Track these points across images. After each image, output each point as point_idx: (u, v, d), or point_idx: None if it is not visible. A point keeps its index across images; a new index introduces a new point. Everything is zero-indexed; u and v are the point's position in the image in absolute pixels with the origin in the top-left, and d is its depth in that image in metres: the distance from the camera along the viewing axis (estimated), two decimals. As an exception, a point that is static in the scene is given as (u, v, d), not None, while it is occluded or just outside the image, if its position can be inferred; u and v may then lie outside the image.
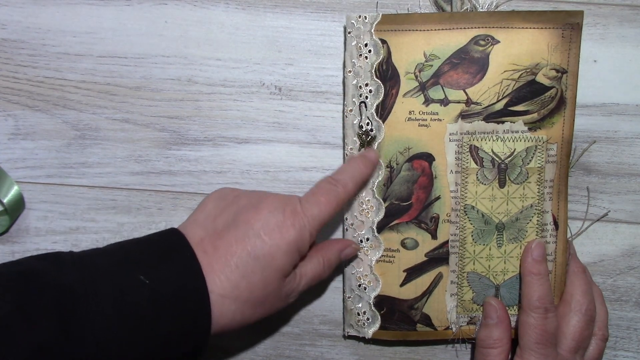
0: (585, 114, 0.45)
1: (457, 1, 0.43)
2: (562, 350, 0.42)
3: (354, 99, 0.43)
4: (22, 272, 0.33)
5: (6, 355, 0.30)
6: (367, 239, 0.45)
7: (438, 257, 0.45)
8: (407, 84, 0.43)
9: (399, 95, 0.43)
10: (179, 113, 0.47)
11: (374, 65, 0.43)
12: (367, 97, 0.43)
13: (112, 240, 0.48)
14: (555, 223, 0.44)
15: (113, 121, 0.47)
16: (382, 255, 0.45)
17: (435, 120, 0.43)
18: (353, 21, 0.42)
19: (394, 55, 0.42)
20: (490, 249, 0.45)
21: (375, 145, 0.43)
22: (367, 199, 0.44)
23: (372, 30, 0.42)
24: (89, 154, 0.47)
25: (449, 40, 0.42)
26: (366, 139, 0.43)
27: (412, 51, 0.42)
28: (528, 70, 0.42)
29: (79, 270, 0.33)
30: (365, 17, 0.42)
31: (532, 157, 0.43)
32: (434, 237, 0.45)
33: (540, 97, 0.43)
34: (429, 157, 0.44)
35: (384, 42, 0.42)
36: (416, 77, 0.43)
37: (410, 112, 0.43)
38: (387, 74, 0.43)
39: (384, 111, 0.43)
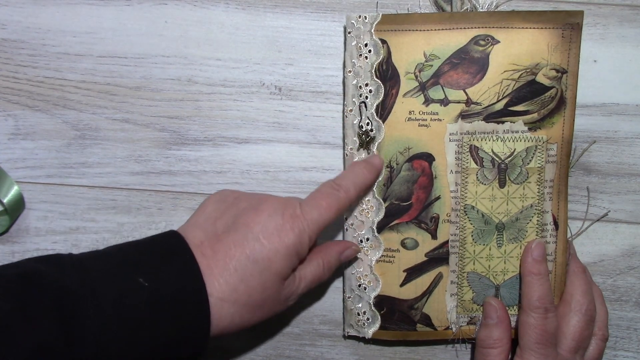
0: (585, 114, 0.45)
1: (457, 1, 0.43)
2: (562, 350, 0.42)
3: (354, 99, 0.43)
4: (22, 274, 0.33)
5: (6, 355, 0.30)
6: (367, 239, 0.45)
7: (438, 257, 0.45)
8: (407, 84, 0.43)
9: (399, 95, 0.43)
10: (179, 113, 0.47)
11: (374, 65, 0.43)
12: (367, 97, 0.43)
13: (112, 240, 0.48)
14: (555, 223, 0.44)
15: (113, 121, 0.47)
16: (382, 255, 0.45)
17: (435, 120, 0.43)
18: (353, 21, 0.42)
19: (394, 55, 0.42)
20: (490, 249, 0.45)
21: (375, 145, 0.43)
22: (367, 199, 0.44)
23: (372, 30, 0.42)
24: (89, 154, 0.47)
25: (449, 40, 0.42)
26: (366, 139, 0.43)
27: (412, 51, 0.42)
28: (528, 70, 0.42)
29: (79, 273, 0.33)
30: (365, 17, 0.42)
31: (532, 157, 0.43)
32: (434, 237, 0.45)
33: (540, 97, 0.43)
34: (429, 157, 0.44)
35: (384, 42, 0.42)
36: (416, 77, 0.43)
37: (410, 112, 0.43)
38: (387, 74, 0.43)
39: (384, 111, 0.43)
